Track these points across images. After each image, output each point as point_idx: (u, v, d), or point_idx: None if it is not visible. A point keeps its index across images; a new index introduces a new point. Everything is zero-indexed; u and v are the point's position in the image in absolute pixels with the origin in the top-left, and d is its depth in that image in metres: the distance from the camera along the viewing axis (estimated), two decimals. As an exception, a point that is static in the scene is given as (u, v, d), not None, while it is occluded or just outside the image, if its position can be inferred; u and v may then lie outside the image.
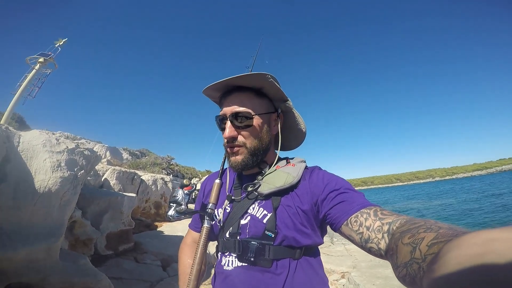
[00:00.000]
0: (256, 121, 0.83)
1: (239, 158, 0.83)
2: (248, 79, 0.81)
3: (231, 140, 0.83)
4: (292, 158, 0.92)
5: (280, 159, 0.92)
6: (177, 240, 5.04)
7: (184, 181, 8.30)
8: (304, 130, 0.95)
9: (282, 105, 0.90)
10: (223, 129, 0.85)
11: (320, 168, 0.87)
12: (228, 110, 0.83)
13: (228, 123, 0.82)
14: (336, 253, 5.54)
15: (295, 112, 0.93)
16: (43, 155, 2.08)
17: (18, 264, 1.85)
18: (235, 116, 0.82)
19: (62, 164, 2.15)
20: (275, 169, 0.85)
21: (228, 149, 0.85)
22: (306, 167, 0.87)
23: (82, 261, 2.36)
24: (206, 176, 1.12)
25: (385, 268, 3.70)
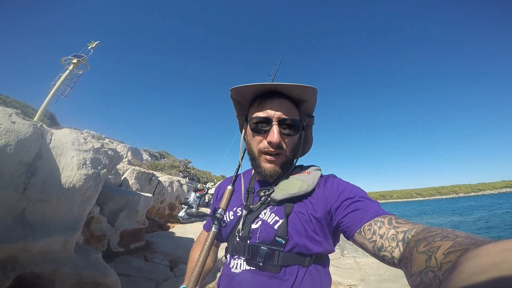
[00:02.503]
0: (298, 132, 0.84)
1: (278, 166, 0.82)
2: (301, 90, 0.81)
3: (277, 146, 0.80)
4: (307, 167, 0.92)
5: (295, 167, 0.91)
6: (187, 242, 5.13)
7: (198, 185, 8.43)
8: (311, 144, 0.98)
9: (306, 120, 0.91)
10: (261, 133, 0.83)
11: (335, 176, 0.87)
12: (275, 114, 0.81)
13: (276, 128, 0.80)
14: (345, 266, 5.43)
15: (311, 128, 0.95)
16: (71, 153, 2.24)
17: (35, 254, 1.95)
18: (282, 122, 0.81)
19: (87, 162, 2.30)
20: (290, 176, 0.85)
21: (267, 156, 0.82)
22: (321, 175, 0.86)
23: (94, 255, 2.47)
24: (220, 181, 1.14)
25: (394, 282, 3.59)
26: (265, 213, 0.80)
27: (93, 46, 14.36)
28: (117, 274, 2.54)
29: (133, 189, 5.69)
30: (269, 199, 0.81)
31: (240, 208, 0.87)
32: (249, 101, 0.91)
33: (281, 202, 0.79)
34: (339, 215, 0.71)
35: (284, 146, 0.82)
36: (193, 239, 5.35)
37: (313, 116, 0.92)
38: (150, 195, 4.96)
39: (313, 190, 0.80)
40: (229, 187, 0.90)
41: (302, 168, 0.90)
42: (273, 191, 0.81)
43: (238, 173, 0.98)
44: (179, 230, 6.15)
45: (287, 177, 0.85)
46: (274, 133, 0.79)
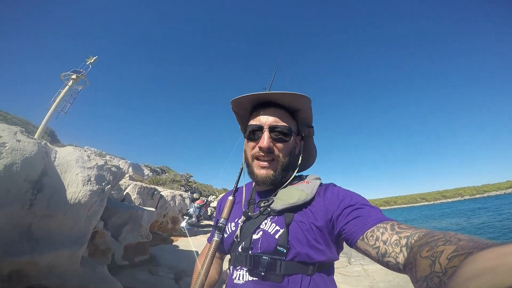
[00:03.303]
0: (290, 138, 0.86)
1: (270, 172, 0.84)
2: (293, 98, 0.84)
3: (267, 151, 0.83)
4: (306, 176, 0.93)
5: (295, 177, 0.91)
6: (191, 255, 5.10)
7: (194, 195, 8.55)
8: (315, 158, 1.01)
9: (306, 130, 0.93)
10: (254, 140, 0.86)
11: (335, 185, 0.87)
12: (266, 121, 0.84)
13: (266, 134, 0.83)
14: (353, 274, 5.36)
15: (312, 139, 0.97)
16: (76, 170, 2.32)
17: (42, 268, 2.00)
18: (273, 128, 0.83)
19: (92, 179, 2.38)
20: (289, 186, 0.86)
21: (260, 162, 0.85)
22: (320, 184, 0.87)
23: (99, 268, 2.50)
24: (222, 194, 1.19)
25: (404, 289, 3.54)
26: (265, 223, 0.81)
27: (91, 61, 14.35)
28: (123, 287, 2.55)
29: (136, 204, 5.71)
30: (269, 209, 0.81)
31: (241, 219, 0.87)
32: (248, 112, 0.94)
33: (281, 212, 0.80)
34: (341, 223, 0.71)
35: (276, 151, 0.84)
36: (197, 252, 5.33)
37: (312, 127, 0.94)
38: (153, 209, 4.97)
39: (313, 199, 0.81)
40: (230, 197, 0.92)
41: (301, 178, 0.91)
42: (273, 201, 0.82)
43: (240, 185, 1.00)
44: (182, 243, 6.13)
45: (286, 187, 0.86)
46: (264, 139, 0.82)
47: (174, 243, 6.11)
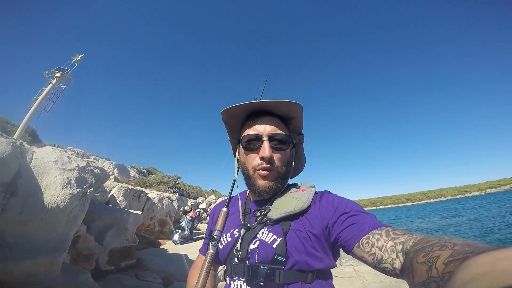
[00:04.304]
0: (287, 146, 0.85)
1: (271, 182, 0.83)
2: (289, 106, 0.84)
3: (269, 161, 0.82)
4: (301, 184, 0.93)
5: (289, 185, 0.92)
6: (179, 259, 4.99)
7: (186, 207, 8.52)
8: (304, 163, 1.00)
9: (297, 137, 0.93)
10: (253, 150, 0.85)
11: (329, 192, 0.87)
12: (264, 130, 0.84)
13: (267, 143, 0.82)
14: (344, 275, 5.38)
15: (302, 146, 0.97)
16: (54, 172, 2.17)
17: (19, 276, 1.87)
18: (273, 137, 0.83)
19: (72, 182, 2.23)
20: (285, 195, 0.85)
21: (262, 171, 0.83)
22: (316, 192, 0.87)
23: (83, 276, 2.37)
24: (215, 204, 1.13)
25: (396, 290, 3.57)
26: (262, 233, 0.79)
27: (77, 59, 14.06)
28: (106, 294, 2.42)
29: (121, 207, 5.53)
30: (265, 218, 0.80)
31: (237, 230, 0.85)
32: (240, 122, 0.93)
33: (277, 221, 0.79)
34: (337, 230, 0.71)
35: (275, 161, 0.83)
36: (186, 255, 5.20)
37: (302, 134, 0.94)
38: (139, 212, 4.84)
39: (309, 207, 0.80)
40: (224, 209, 0.91)
41: (296, 186, 0.91)
42: (269, 210, 0.81)
43: (233, 195, 0.99)
44: (171, 246, 5.99)
45: (281, 196, 0.85)
46: (266, 148, 0.81)
47: (162, 247, 5.95)
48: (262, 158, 0.81)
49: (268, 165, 0.82)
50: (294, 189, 0.88)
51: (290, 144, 0.87)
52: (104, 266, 3.74)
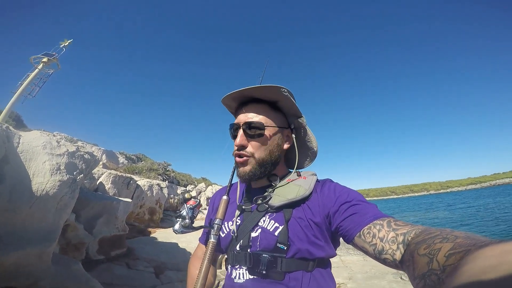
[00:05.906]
0: (268, 132, 0.83)
1: (247, 168, 0.83)
2: (262, 91, 0.82)
3: (241, 148, 0.83)
4: (301, 172, 0.92)
5: (291, 172, 0.91)
6: (171, 247, 4.96)
7: (186, 195, 8.42)
8: (315, 149, 0.95)
9: (296, 121, 0.91)
10: (235, 137, 0.86)
11: (331, 181, 0.86)
12: (242, 119, 0.85)
13: (241, 132, 0.83)
14: (332, 265, 5.53)
15: (308, 130, 0.93)
16: (43, 157, 2.06)
17: (8, 268, 1.80)
18: (248, 125, 0.83)
19: (62, 168, 2.13)
20: (287, 182, 0.84)
21: (237, 158, 0.85)
22: (317, 180, 0.87)
23: (74, 266, 2.32)
24: (215, 192, 1.12)
25: (381, 279, 3.69)
26: (264, 221, 0.79)
27: (65, 44, 13.70)
28: (100, 284, 2.38)
29: (110, 194, 5.43)
30: (266, 205, 0.80)
31: (239, 218, 0.85)
32: (234, 111, 0.94)
33: (279, 209, 0.79)
34: (338, 219, 0.71)
35: (251, 148, 0.83)
36: (177, 243, 5.17)
37: (301, 116, 0.91)
38: (129, 200, 4.77)
39: (310, 194, 0.80)
40: (224, 197, 0.90)
41: (297, 174, 0.90)
42: (271, 198, 0.80)
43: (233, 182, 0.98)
44: (161, 235, 5.93)
45: (283, 183, 0.85)
46: (238, 137, 0.83)
47: (152, 235, 5.90)
48: (235, 146, 0.85)
49: (239, 152, 0.83)
50: (295, 176, 0.88)
51: (271, 129, 0.85)
52: (95, 256, 3.68)
